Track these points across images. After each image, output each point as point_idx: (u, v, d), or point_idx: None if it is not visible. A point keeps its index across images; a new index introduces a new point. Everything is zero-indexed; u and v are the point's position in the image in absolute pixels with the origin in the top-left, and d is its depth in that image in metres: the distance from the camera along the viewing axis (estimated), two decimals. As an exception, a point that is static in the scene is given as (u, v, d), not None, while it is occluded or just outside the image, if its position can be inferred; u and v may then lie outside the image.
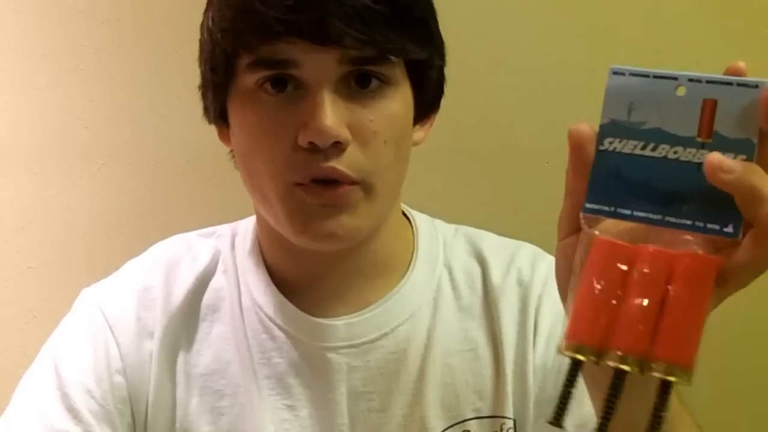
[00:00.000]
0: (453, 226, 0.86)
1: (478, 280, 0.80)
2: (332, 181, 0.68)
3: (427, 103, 0.77)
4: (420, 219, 0.84)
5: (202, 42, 0.74)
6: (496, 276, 0.79)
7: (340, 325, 0.75)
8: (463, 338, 0.77)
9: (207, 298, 0.78)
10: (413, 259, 0.80)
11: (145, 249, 0.85)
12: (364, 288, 0.77)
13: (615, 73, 0.43)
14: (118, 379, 0.74)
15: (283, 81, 0.68)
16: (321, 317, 0.76)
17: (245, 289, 0.78)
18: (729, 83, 0.41)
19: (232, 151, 0.80)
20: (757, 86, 0.41)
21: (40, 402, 0.73)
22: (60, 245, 1.27)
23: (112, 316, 0.76)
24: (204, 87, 0.76)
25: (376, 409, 0.75)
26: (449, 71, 0.80)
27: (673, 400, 0.45)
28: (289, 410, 0.75)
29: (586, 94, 1.34)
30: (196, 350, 0.77)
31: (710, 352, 0.44)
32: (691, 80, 0.42)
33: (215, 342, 0.77)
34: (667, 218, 0.42)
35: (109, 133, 1.27)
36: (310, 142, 0.66)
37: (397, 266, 0.79)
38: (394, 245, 0.79)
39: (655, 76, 0.42)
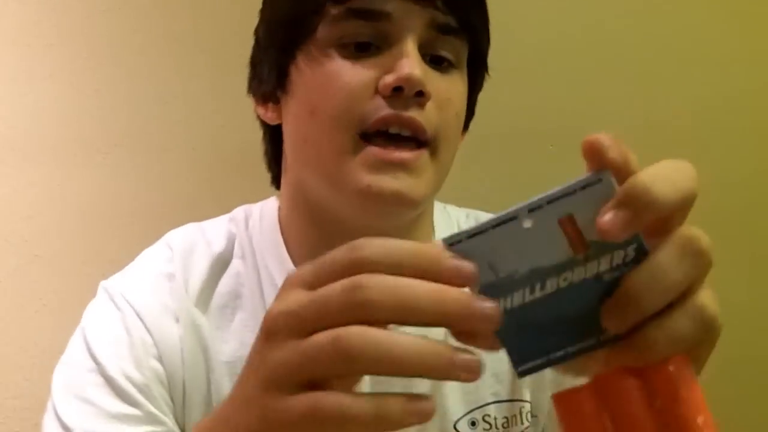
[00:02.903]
0: (464, 211, 0.86)
1: None
2: (404, 140, 0.67)
3: (472, 100, 0.78)
4: (434, 205, 0.84)
5: (268, 8, 0.76)
6: None
7: None
8: None
9: (226, 283, 0.78)
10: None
11: (152, 236, 0.85)
12: None
13: (451, 244, 0.38)
14: (156, 364, 0.73)
15: (367, 45, 0.69)
16: None
17: (265, 273, 0.77)
18: (572, 193, 0.37)
19: (269, 130, 0.80)
20: (600, 180, 0.36)
21: (88, 393, 0.71)
22: (67, 234, 1.28)
23: (140, 306, 0.76)
24: (262, 58, 0.77)
25: None
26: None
27: None
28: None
29: (588, 78, 1.34)
30: (220, 337, 0.76)
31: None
32: (531, 210, 0.37)
33: (239, 329, 0.76)
34: (601, 338, 0.39)
35: (114, 122, 1.27)
36: (397, 87, 0.66)
37: None
38: (421, 231, 0.79)
39: (493, 226, 0.38)
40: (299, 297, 0.43)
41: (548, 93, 1.29)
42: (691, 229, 0.38)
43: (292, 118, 0.74)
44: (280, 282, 0.75)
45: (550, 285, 0.38)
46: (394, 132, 0.67)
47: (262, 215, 0.81)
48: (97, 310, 0.77)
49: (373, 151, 0.67)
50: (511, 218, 0.37)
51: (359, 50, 0.69)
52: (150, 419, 0.71)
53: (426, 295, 0.38)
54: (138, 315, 0.75)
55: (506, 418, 0.75)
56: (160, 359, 0.74)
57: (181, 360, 0.74)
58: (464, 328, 0.39)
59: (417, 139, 0.68)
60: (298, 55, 0.71)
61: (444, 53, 0.70)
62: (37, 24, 1.25)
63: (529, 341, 0.39)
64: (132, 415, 0.70)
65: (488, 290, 0.38)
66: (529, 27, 1.30)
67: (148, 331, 0.74)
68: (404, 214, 0.71)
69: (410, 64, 0.66)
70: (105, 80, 1.26)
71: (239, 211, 0.83)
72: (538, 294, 0.39)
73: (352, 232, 0.73)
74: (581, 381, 0.40)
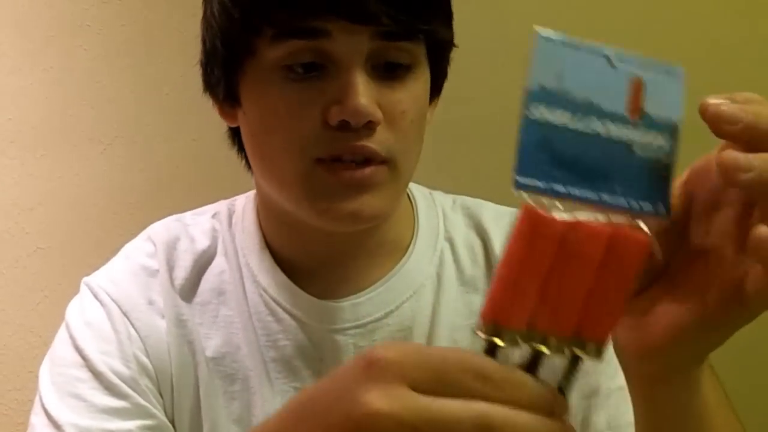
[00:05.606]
0: (450, 197, 0.84)
1: (479, 252, 0.79)
2: (360, 162, 0.66)
3: (439, 84, 0.76)
4: (418, 192, 0.83)
5: (209, 17, 0.72)
6: (497, 246, 0.78)
7: (346, 306, 0.74)
8: (468, 312, 0.76)
9: (210, 281, 0.77)
10: (414, 234, 0.79)
11: (152, 228, 0.85)
12: (369, 268, 0.76)
13: (544, 38, 0.40)
14: (143, 358, 0.73)
15: (313, 65, 0.66)
16: (326, 299, 0.75)
17: (247, 271, 0.77)
18: (651, 66, 0.41)
19: (231, 129, 0.78)
20: (676, 71, 0.41)
21: (76, 388, 0.71)
22: (69, 225, 1.28)
23: (124, 301, 0.75)
24: (210, 63, 0.74)
25: None
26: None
27: (716, 389, 0.46)
28: (297, 393, 0.74)
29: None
30: (204, 334, 0.76)
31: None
32: (619, 57, 0.41)
33: (223, 325, 0.76)
34: (603, 197, 0.40)
35: (115, 113, 1.27)
36: (343, 121, 0.65)
37: (400, 243, 0.78)
38: (399, 223, 0.78)
39: (586, 51, 0.41)
40: (414, 401, 0.39)
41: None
42: None
43: (247, 132, 0.72)
44: (262, 280, 0.76)
45: (592, 126, 0.41)
46: (348, 159, 0.66)
47: (245, 213, 0.80)
48: (81, 306, 0.76)
49: (325, 175, 0.66)
50: (601, 53, 0.41)
51: (306, 71, 0.66)
52: (140, 412, 0.71)
53: None
54: (122, 311, 0.75)
55: None
56: (146, 354, 0.73)
57: (168, 355, 0.74)
58: None
59: (372, 161, 0.67)
60: (246, 70, 0.69)
61: (397, 60, 0.67)
62: (36, 16, 1.25)
63: (543, 161, 0.40)
64: (121, 408, 0.70)
65: (542, 93, 0.40)
66: (519, 8, 1.30)
67: (134, 326, 0.74)
68: (367, 226, 0.71)
69: (354, 96, 0.64)
70: (104, 71, 1.26)
71: (223, 207, 0.83)
72: (577, 125, 0.40)
73: (325, 236, 0.73)
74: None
